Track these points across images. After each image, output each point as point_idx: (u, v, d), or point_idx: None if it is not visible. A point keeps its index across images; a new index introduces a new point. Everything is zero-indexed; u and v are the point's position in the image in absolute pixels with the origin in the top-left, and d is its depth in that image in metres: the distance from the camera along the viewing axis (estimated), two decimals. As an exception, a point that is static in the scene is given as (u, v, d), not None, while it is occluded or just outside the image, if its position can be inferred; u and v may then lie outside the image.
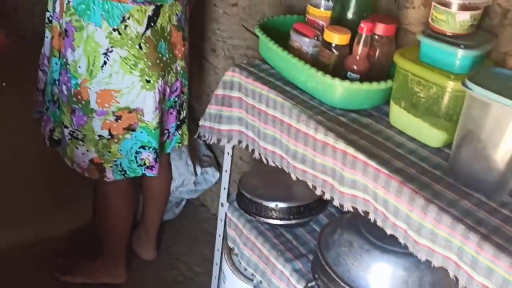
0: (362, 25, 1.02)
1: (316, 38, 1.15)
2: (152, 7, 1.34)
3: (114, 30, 1.32)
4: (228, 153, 1.35)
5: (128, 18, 1.31)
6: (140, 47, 1.35)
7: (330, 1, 1.18)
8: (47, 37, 1.47)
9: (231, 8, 1.77)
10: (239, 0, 1.73)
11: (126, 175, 1.53)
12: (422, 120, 0.98)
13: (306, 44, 1.16)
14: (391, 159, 0.94)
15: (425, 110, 0.97)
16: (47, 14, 1.44)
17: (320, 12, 1.19)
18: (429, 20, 0.94)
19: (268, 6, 1.59)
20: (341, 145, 0.98)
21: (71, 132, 1.48)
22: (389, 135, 1.02)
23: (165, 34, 1.41)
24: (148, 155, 1.51)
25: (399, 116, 1.02)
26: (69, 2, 1.32)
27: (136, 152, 1.50)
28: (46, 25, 1.45)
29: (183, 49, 1.49)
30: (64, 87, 1.44)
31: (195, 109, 2.10)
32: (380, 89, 1.04)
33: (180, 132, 1.63)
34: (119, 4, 1.29)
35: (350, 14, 1.12)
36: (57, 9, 1.37)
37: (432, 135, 0.98)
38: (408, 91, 0.98)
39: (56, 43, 1.42)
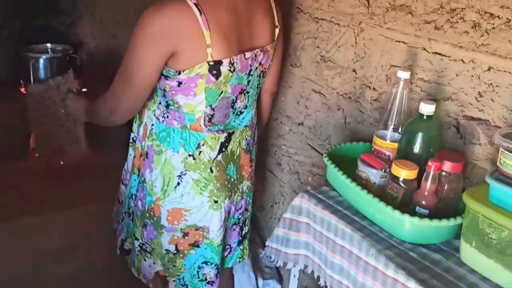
0: (430, 163, 1.06)
1: (383, 170, 1.19)
2: (225, 134, 1.44)
3: (189, 155, 1.42)
4: (294, 276, 1.37)
5: (203, 145, 1.42)
6: (211, 170, 1.44)
7: (396, 133, 1.23)
8: (130, 155, 1.60)
9: (297, 127, 1.86)
10: (304, 120, 1.82)
11: (187, 290, 1.56)
12: (494, 261, 0.97)
13: (373, 175, 1.20)
14: (465, 302, 0.93)
15: (498, 251, 0.96)
16: (132, 135, 1.57)
17: (387, 144, 1.24)
18: (497, 163, 0.97)
19: (333, 128, 1.67)
20: (411, 284, 0.97)
21: (141, 245, 1.55)
22: (461, 274, 1.01)
23: (234, 157, 1.50)
24: (210, 271, 1.55)
25: (470, 254, 1.01)
26: (152, 128, 1.45)
27: (199, 267, 1.54)
28: (130, 144, 1.59)
29: (249, 170, 1.57)
30: (139, 202, 1.53)
31: (258, 218, 2.15)
32: (449, 225, 1.05)
33: (241, 247, 1.67)
34: (195, 132, 1.40)
35: (416, 149, 1.16)
36: (141, 132, 1.50)
37: (505, 277, 0.96)
38: (479, 231, 0.98)
39: (137, 162, 1.53)
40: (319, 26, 1.68)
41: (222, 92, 1.37)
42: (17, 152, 2.23)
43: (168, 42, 1.28)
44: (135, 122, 1.55)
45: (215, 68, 1.31)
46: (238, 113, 1.46)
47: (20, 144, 2.25)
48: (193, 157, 1.42)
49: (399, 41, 1.35)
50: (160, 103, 1.42)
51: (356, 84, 1.54)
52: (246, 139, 1.53)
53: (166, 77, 1.34)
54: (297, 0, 1.76)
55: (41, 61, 2.14)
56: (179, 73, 1.32)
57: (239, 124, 1.48)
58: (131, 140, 1.58)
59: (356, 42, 1.52)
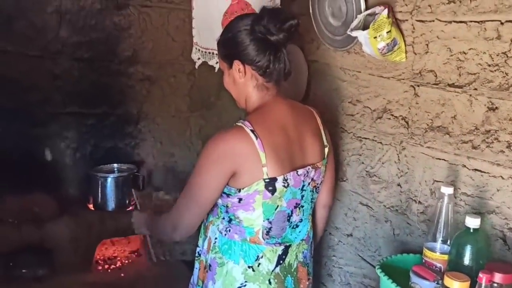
0: (481, 275, 1.12)
1: (435, 281, 1.25)
2: (282, 247, 1.55)
3: (249, 267, 1.52)
4: None
5: (261, 257, 1.52)
6: (270, 282, 1.53)
7: (446, 245, 1.31)
8: (196, 268, 1.70)
9: (346, 238, 1.94)
10: (353, 231, 1.91)
11: None
12: None
13: (426, 287, 1.26)
14: None
15: None
16: (197, 249, 1.70)
17: (437, 256, 1.31)
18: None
19: (382, 239, 1.74)
20: None
21: None
22: None
23: (292, 270, 1.58)
24: None
25: None
26: (215, 242, 1.57)
27: None
28: (196, 258, 1.70)
29: (307, 283, 1.64)
30: (203, 314, 1.61)
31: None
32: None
33: None
34: (255, 245, 1.52)
35: (466, 261, 1.22)
36: (205, 246, 1.63)
37: None
38: None
39: (201, 275, 1.64)
40: (362, 144, 1.83)
41: (278, 206, 1.50)
42: (80, 265, 2.36)
43: (230, 164, 1.45)
44: (200, 237, 1.68)
45: (270, 184, 1.45)
46: (294, 226, 1.57)
47: (82, 257, 2.39)
48: (253, 268, 1.52)
49: (440, 159, 1.48)
50: (223, 218, 1.55)
51: (402, 197, 1.64)
52: (303, 252, 1.62)
53: (228, 195, 1.49)
54: (341, 122, 1.94)
55: (109, 180, 2.37)
56: (239, 191, 1.46)
57: (296, 238, 1.59)
58: (196, 254, 1.70)
59: (398, 159, 1.65)
